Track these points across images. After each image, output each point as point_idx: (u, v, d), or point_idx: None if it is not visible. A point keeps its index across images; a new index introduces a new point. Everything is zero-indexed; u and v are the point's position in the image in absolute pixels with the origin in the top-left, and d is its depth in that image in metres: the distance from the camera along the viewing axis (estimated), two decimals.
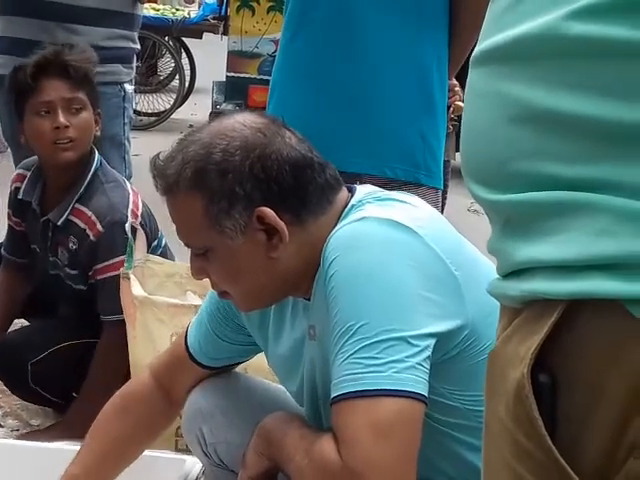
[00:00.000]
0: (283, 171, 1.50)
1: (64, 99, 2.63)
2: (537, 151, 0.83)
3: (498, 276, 0.92)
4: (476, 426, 1.16)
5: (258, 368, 2.00)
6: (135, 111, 6.74)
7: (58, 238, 2.73)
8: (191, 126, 7.58)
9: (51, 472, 1.88)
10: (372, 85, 2.40)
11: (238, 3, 6.52)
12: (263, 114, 1.60)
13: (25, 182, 2.81)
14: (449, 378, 1.50)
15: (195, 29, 8.50)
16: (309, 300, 1.59)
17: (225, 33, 7.30)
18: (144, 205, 2.76)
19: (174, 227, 1.59)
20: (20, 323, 3.05)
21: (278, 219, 1.50)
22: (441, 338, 1.44)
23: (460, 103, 2.86)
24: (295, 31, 2.47)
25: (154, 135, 7.31)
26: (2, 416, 2.81)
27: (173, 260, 2.85)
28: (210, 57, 8.40)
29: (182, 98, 8.46)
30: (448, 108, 2.64)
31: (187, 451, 2.07)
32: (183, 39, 8.77)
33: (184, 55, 8.78)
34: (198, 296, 2.56)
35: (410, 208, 1.56)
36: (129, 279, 2.49)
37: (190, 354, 1.83)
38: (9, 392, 2.92)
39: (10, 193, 2.88)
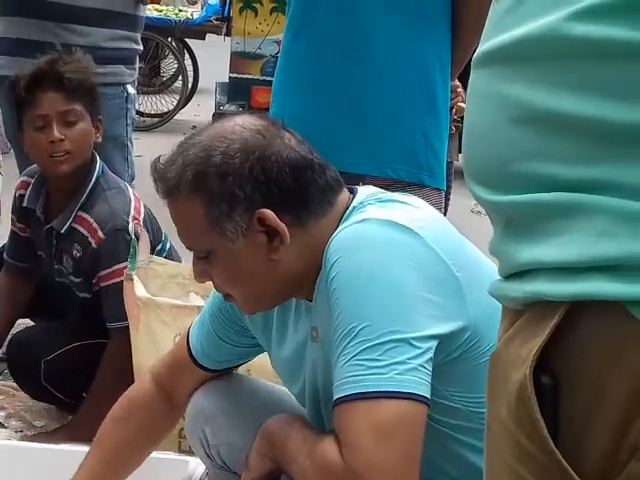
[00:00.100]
0: (283, 173, 1.50)
1: (59, 112, 2.63)
2: (538, 152, 0.83)
3: (500, 277, 0.92)
4: (478, 428, 1.15)
5: (261, 369, 2.00)
6: (138, 112, 6.79)
7: (62, 246, 2.73)
8: (194, 127, 7.59)
9: (55, 473, 1.88)
10: (374, 86, 2.40)
11: (241, 4, 6.52)
12: (263, 116, 1.59)
13: (29, 189, 2.81)
14: (451, 380, 1.50)
15: (198, 30, 8.52)
16: (311, 302, 1.59)
17: (228, 34, 7.30)
18: (146, 210, 2.76)
19: None
20: (24, 324, 3.05)
21: (279, 221, 1.50)
22: (443, 340, 1.44)
23: (463, 104, 2.86)
24: (297, 32, 2.47)
25: (157, 136, 7.31)
26: (6, 417, 2.82)
27: (180, 262, 2.85)
28: (213, 58, 8.41)
29: (185, 99, 8.47)
30: (451, 109, 2.64)
31: (190, 452, 2.06)
32: (186, 40, 8.78)
33: (187, 56, 8.79)
34: (201, 297, 2.56)
35: (411, 209, 1.56)
36: (132, 280, 2.49)
37: (192, 357, 1.83)
38: (13, 393, 2.93)
39: (14, 200, 2.89)
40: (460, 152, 0.99)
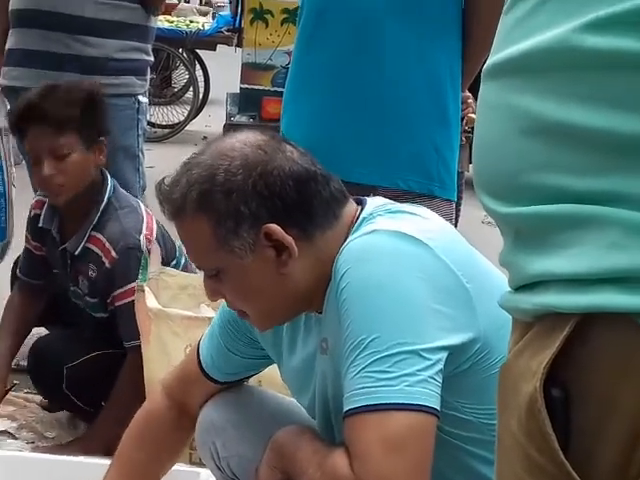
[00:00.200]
0: (286, 186, 1.50)
1: (48, 148, 2.62)
2: (548, 163, 0.83)
3: (510, 289, 0.91)
4: (489, 439, 1.15)
5: (272, 380, 2.00)
6: (149, 123, 6.80)
7: (77, 266, 2.74)
8: (205, 138, 7.61)
9: None
10: (385, 96, 2.40)
11: (252, 15, 6.54)
12: (263, 131, 1.59)
13: (44, 209, 2.82)
14: (462, 391, 1.50)
15: (209, 41, 8.54)
16: (321, 314, 1.59)
17: (239, 45, 7.32)
18: (159, 227, 2.75)
19: None
20: (37, 333, 3.06)
21: (285, 234, 1.50)
22: (453, 351, 1.44)
23: (473, 115, 2.86)
24: (308, 43, 2.48)
25: (168, 147, 7.33)
26: (17, 428, 2.82)
27: None
28: (224, 69, 8.43)
29: (196, 110, 8.49)
30: (461, 120, 2.64)
31: (201, 464, 2.06)
32: (197, 51, 8.80)
33: (198, 67, 8.81)
34: (212, 308, 2.56)
35: (420, 220, 1.56)
36: (144, 292, 2.50)
37: (202, 369, 1.83)
38: (24, 404, 2.93)
39: (29, 219, 2.90)
40: (470, 163, 0.99)
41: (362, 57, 2.39)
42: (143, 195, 3.11)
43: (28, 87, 2.98)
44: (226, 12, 8.98)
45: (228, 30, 8.29)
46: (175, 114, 8.51)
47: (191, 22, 8.67)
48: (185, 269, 2.84)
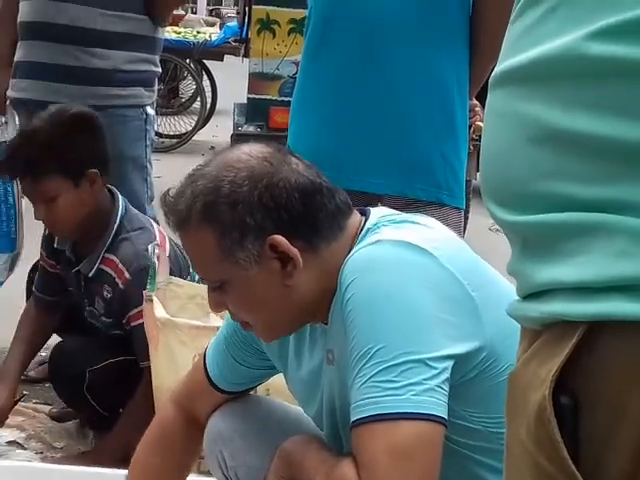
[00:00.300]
0: (292, 198, 1.49)
1: (34, 194, 2.64)
2: (555, 171, 0.83)
3: (518, 298, 0.91)
4: (497, 448, 1.15)
5: (280, 389, 2.00)
6: (157, 133, 6.81)
7: (92, 288, 2.75)
8: (212, 148, 7.63)
9: None
10: (393, 105, 2.40)
11: (259, 26, 6.55)
12: (269, 144, 1.59)
13: None
14: (469, 400, 1.49)
15: (216, 51, 8.56)
16: (327, 325, 1.58)
17: (246, 55, 7.34)
18: (172, 245, 2.75)
19: None
20: (50, 345, 3.06)
21: (291, 246, 1.50)
22: (459, 360, 1.44)
23: (480, 123, 2.86)
24: (315, 53, 2.48)
25: (176, 157, 7.35)
26: (26, 439, 2.82)
27: None
28: (231, 79, 8.46)
29: (203, 120, 8.51)
30: (469, 128, 2.64)
31: (209, 473, 2.06)
32: (204, 61, 8.83)
33: (205, 77, 8.83)
34: (220, 317, 2.56)
35: (425, 230, 1.56)
36: (152, 301, 2.50)
37: (209, 379, 1.83)
38: (33, 415, 2.94)
39: (44, 236, 2.91)
40: (478, 170, 0.99)
41: (368, 66, 2.39)
42: (151, 205, 3.12)
43: (36, 99, 3.00)
44: (233, 23, 9.01)
45: (235, 40, 8.32)
46: (182, 124, 8.54)
47: (198, 33, 8.70)
48: None
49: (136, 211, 2.81)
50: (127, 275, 2.65)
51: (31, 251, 3.03)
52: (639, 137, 0.78)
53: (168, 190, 1.57)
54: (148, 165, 3.19)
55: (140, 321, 2.60)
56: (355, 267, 1.48)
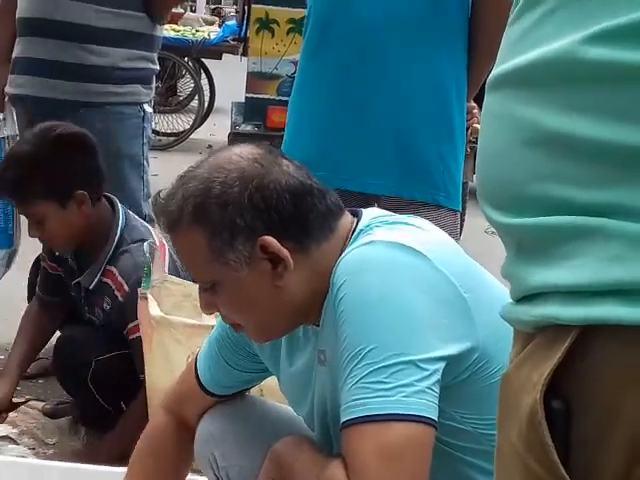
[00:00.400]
0: (283, 200, 1.49)
1: (25, 214, 2.67)
2: (551, 175, 0.83)
3: (511, 300, 0.91)
4: (488, 450, 1.15)
5: (273, 390, 1.99)
6: (154, 131, 6.81)
7: (92, 299, 2.76)
8: (210, 146, 7.63)
9: None
10: (390, 106, 2.40)
11: (258, 25, 6.55)
12: (259, 145, 1.59)
13: None
14: (460, 401, 1.49)
15: (215, 50, 8.57)
16: (318, 326, 1.58)
17: (244, 54, 7.33)
18: (172, 258, 2.75)
19: None
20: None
21: (281, 247, 1.49)
22: (451, 361, 1.43)
23: (478, 125, 2.86)
24: (314, 52, 2.48)
25: (173, 155, 7.35)
26: (18, 434, 2.82)
27: None
28: (229, 78, 8.45)
29: (201, 118, 8.51)
30: (466, 130, 2.65)
31: (201, 472, 2.06)
32: (203, 60, 8.83)
33: (203, 76, 8.83)
34: (214, 316, 2.56)
35: (419, 231, 1.56)
36: (147, 299, 2.50)
37: (200, 383, 1.83)
38: (25, 411, 2.93)
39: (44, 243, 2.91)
40: (474, 173, 0.99)
41: (366, 67, 2.39)
42: (147, 203, 3.12)
43: (34, 95, 3.00)
44: (232, 21, 9.01)
45: (234, 39, 8.31)
46: (180, 122, 8.54)
47: (197, 31, 8.70)
48: None
49: (136, 221, 2.81)
50: (126, 288, 2.65)
51: (28, 248, 3.03)
52: (636, 141, 0.78)
53: (159, 192, 1.57)
54: (145, 163, 3.19)
55: (137, 334, 2.60)
56: (347, 268, 1.48)
